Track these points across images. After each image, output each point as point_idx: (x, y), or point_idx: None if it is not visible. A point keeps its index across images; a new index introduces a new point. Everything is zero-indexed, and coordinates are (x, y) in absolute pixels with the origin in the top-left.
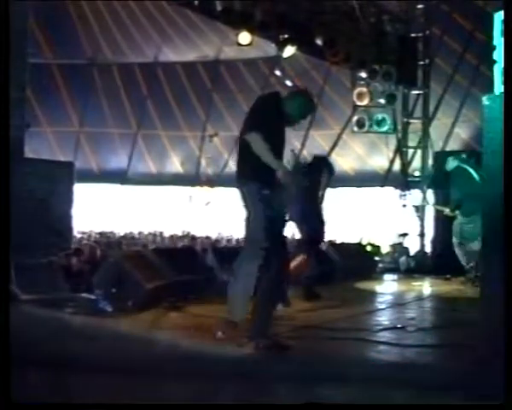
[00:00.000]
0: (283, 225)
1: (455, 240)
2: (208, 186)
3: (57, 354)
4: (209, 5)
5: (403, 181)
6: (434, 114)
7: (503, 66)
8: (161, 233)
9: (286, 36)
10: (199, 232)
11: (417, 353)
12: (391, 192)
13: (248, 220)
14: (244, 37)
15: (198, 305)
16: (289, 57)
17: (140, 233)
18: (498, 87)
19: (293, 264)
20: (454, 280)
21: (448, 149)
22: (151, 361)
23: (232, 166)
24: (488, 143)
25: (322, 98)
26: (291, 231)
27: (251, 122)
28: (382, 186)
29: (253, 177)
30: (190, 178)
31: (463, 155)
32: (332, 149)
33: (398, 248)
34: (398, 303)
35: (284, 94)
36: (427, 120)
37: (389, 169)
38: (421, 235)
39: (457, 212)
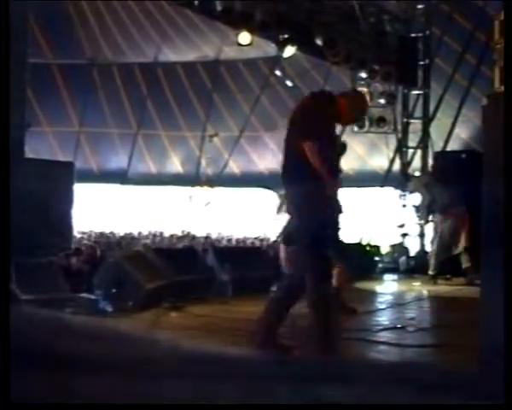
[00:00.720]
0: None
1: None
2: (208, 186)
3: (57, 354)
4: (209, 5)
5: (403, 181)
6: (434, 114)
7: (502, 66)
8: (161, 233)
9: (286, 36)
10: (199, 232)
11: (417, 353)
12: (391, 192)
13: (293, 223)
14: (244, 37)
15: (198, 305)
16: (289, 57)
17: (140, 233)
18: (498, 87)
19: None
20: (454, 280)
21: (448, 149)
22: (151, 361)
23: (232, 166)
24: (488, 143)
25: None
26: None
27: (306, 127)
28: (382, 186)
29: (306, 182)
30: (190, 178)
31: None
32: None
33: (398, 249)
34: (398, 303)
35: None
36: (427, 120)
37: (389, 169)
38: (421, 235)
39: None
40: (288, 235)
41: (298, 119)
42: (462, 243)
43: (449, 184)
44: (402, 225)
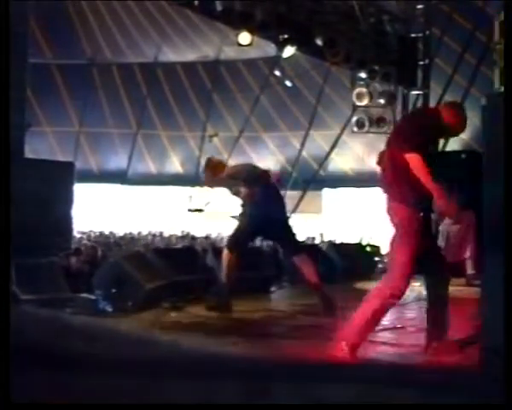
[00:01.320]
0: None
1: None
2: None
3: (57, 354)
4: (209, 5)
5: None
6: None
7: (503, 66)
8: (161, 233)
9: (286, 36)
10: (199, 232)
11: (417, 353)
12: None
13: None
14: (244, 37)
15: (198, 305)
16: (289, 57)
17: (140, 233)
18: (498, 87)
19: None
20: (454, 280)
21: (448, 149)
22: (151, 361)
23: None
24: (488, 143)
25: (322, 98)
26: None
27: (413, 139)
28: None
29: (409, 199)
30: (190, 178)
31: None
32: (332, 149)
33: None
34: (398, 303)
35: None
36: None
37: None
38: None
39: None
40: (238, 239)
41: (403, 129)
42: (469, 251)
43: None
44: None
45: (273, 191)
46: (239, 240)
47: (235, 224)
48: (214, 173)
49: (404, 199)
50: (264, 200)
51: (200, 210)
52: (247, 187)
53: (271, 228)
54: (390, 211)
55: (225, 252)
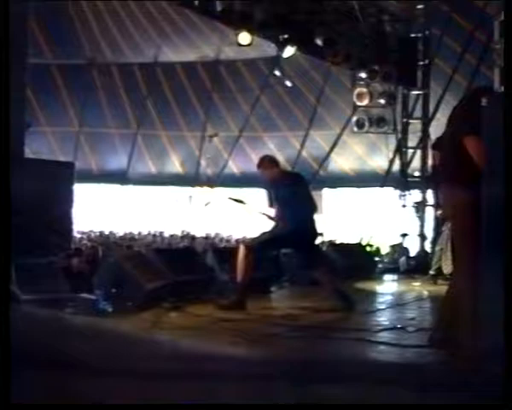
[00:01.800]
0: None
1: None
2: (208, 186)
3: (57, 354)
4: (209, 5)
5: (403, 181)
6: (434, 114)
7: (503, 66)
8: (161, 233)
9: (286, 36)
10: (199, 232)
11: (417, 353)
12: (391, 192)
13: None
14: (244, 37)
15: (198, 305)
16: (289, 57)
17: (140, 233)
18: (498, 87)
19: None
20: None
21: None
22: (151, 361)
23: (232, 166)
24: (488, 143)
25: (322, 98)
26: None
27: (472, 122)
28: (382, 186)
29: (469, 182)
30: (190, 178)
31: None
32: (332, 149)
33: (398, 249)
34: (398, 303)
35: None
36: (426, 120)
37: (389, 169)
38: (421, 235)
39: None
40: (263, 245)
41: (463, 113)
42: None
43: None
44: (405, 235)
45: (306, 211)
46: (264, 246)
47: (266, 229)
48: (266, 169)
49: (463, 183)
50: (297, 222)
51: (241, 201)
52: (281, 207)
53: (298, 246)
54: (446, 198)
55: (245, 251)
